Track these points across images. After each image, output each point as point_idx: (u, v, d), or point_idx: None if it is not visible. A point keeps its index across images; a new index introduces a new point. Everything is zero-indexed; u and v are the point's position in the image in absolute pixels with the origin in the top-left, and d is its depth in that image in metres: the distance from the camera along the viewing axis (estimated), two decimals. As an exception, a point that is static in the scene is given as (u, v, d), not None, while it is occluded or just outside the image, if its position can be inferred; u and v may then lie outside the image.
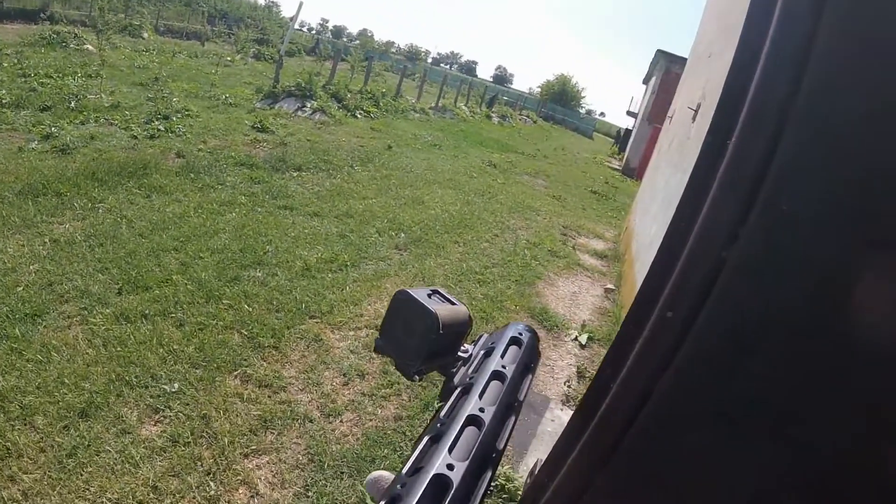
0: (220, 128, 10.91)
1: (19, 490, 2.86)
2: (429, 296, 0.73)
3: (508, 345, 0.75)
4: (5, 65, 12.35)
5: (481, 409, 0.63)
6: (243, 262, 5.73)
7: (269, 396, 3.92)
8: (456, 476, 0.55)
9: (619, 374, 0.55)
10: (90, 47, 16.57)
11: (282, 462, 3.41)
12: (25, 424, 3.25)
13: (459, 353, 0.77)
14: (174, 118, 10.65)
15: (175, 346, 4.16)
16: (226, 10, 37.64)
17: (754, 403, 0.52)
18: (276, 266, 5.82)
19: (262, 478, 3.28)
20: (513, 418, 0.66)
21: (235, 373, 4.07)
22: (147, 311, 4.49)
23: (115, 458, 3.14)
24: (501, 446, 0.62)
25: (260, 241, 6.30)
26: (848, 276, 0.45)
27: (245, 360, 4.22)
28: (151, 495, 2.98)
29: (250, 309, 4.89)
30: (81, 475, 3.01)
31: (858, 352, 0.45)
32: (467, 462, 0.56)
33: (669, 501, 0.59)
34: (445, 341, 0.71)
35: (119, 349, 4.00)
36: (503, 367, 0.70)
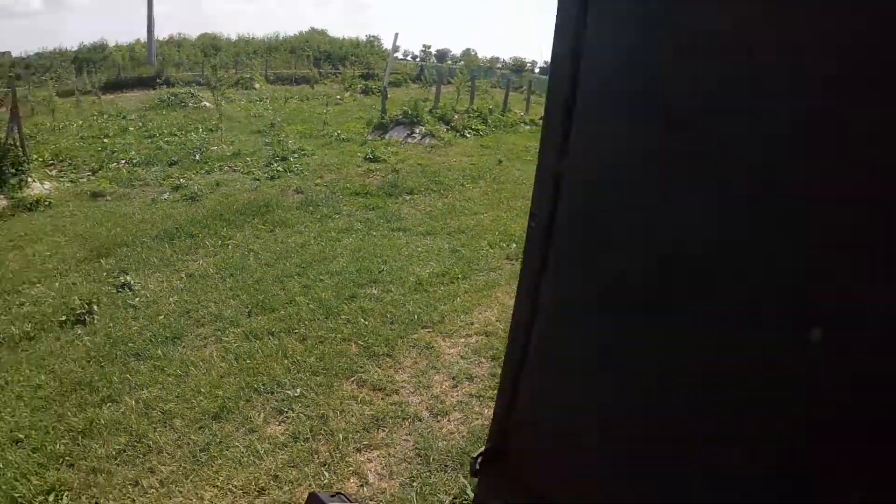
0: (334, 162, 11.66)
1: (157, 479, 3.45)
2: (332, 496, 0.89)
3: None
4: (131, 129, 13.91)
5: None
6: (360, 281, 6.21)
7: (382, 398, 4.30)
8: None
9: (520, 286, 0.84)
10: (207, 104, 18.13)
11: (391, 456, 3.76)
12: (165, 426, 3.87)
13: None
14: (291, 158, 11.51)
15: (298, 358, 4.65)
16: (329, 51, 39.34)
17: (615, 283, 0.75)
18: (390, 283, 6.25)
19: (372, 469, 3.65)
20: None
21: (352, 378, 4.49)
22: (273, 329, 5.04)
23: (242, 453, 3.66)
24: None
25: (375, 262, 6.77)
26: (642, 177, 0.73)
27: (361, 367, 4.64)
28: (272, 483, 3.45)
29: (366, 322, 5.33)
30: (212, 467, 3.55)
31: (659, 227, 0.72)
32: None
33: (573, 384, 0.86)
34: None
35: (248, 362, 4.55)
36: None
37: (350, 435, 3.89)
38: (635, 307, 0.76)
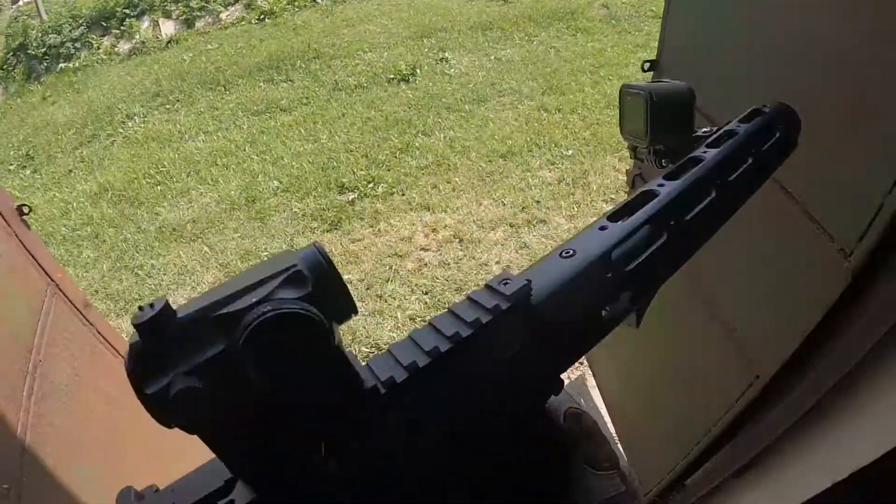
0: (647, -13, 11.67)
1: (451, 186, 4.68)
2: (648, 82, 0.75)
3: (756, 127, 0.72)
4: None
5: (704, 152, 0.66)
6: (646, 87, 6.66)
7: (638, 174, 4.93)
8: (662, 190, 0.61)
9: None
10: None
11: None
12: (463, 156, 5.05)
13: (699, 133, 0.74)
14: (602, -24, 11.70)
15: (576, 130, 5.39)
16: None
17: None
18: (673, 93, 6.66)
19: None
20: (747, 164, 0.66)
21: (616, 154, 5.14)
22: (560, 107, 5.78)
23: (517, 182, 4.72)
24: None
25: (662, 73, 7.12)
26: None
27: (623, 149, 5.22)
28: (534, 205, 4.44)
29: (643, 119, 5.86)
30: (493, 186, 4.68)
31: None
32: (677, 182, 0.62)
33: None
34: (668, 116, 0.73)
35: (536, 125, 5.44)
36: (736, 129, 0.70)
37: (602, 189, 4.67)
38: None
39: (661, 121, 0.72)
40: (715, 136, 0.68)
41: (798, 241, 1.28)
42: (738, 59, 1.50)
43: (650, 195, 0.60)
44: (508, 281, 0.50)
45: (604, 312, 0.56)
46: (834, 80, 1.15)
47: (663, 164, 0.75)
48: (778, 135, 0.70)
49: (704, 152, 0.65)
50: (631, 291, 0.56)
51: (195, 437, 0.40)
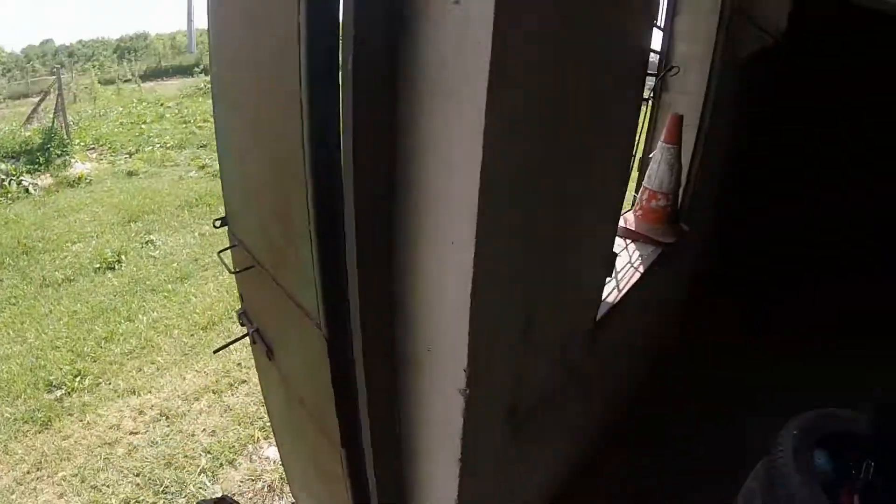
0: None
1: (155, 366, 4.95)
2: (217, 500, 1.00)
3: None
4: (168, 116, 15.53)
5: None
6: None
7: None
8: None
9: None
10: (241, 93, 19.52)
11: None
12: (166, 335, 5.37)
13: None
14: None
15: (276, 291, 5.98)
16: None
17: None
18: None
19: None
20: None
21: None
22: (261, 273, 6.37)
23: (221, 353, 5.00)
24: None
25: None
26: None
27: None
28: (235, 368, 4.88)
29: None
30: (196, 358, 5.04)
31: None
32: None
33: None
34: None
35: (236, 292, 5.85)
36: None
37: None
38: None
39: None
40: None
41: (300, 321, 1.76)
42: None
43: None
44: None
45: None
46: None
47: None
48: None
49: None
50: None
51: None
